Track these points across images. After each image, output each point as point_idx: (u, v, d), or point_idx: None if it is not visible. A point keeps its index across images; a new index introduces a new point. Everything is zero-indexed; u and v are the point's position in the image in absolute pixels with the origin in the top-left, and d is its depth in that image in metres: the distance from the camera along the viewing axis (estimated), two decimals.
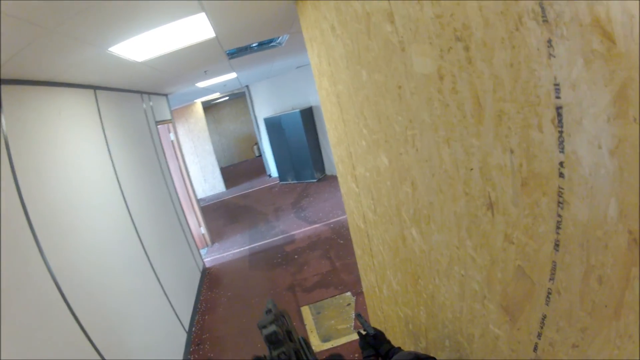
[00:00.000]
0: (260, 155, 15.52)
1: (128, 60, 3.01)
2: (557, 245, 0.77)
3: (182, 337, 4.14)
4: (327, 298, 4.57)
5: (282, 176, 10.76)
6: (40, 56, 2.14)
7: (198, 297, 5.29)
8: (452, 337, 1.57)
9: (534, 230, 0.83)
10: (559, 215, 0.74)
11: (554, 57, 0.67)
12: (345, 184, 3.01)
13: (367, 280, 3.33)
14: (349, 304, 4.37)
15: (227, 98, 13.87)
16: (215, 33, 3.04)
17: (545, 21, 0.66)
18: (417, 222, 1.59)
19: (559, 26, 0.64)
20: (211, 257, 6.83)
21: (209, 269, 6.33)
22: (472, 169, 1.02)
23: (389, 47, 1.32)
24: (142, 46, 2.76)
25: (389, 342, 1.93)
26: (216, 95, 11.14)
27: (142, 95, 5.33)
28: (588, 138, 0.65)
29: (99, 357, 2.42)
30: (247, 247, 6.85)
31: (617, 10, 0.54)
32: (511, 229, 0.91)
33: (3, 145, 2.12)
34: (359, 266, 3.60)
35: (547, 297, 0.84)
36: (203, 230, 7.18)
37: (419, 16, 1.04)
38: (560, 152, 0.71)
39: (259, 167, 13.85)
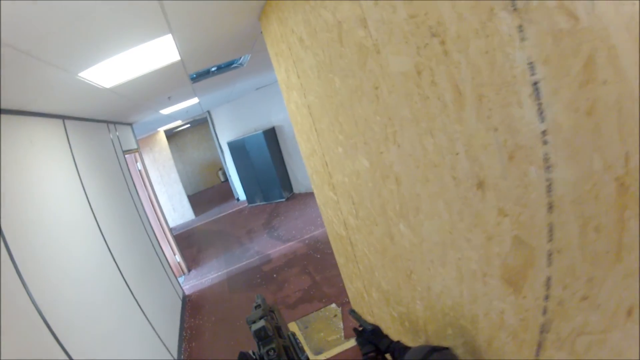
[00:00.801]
0: (226, 180, 15.59)
1: (96, 87, 3.01)
2: (550, 207, 0.86)
3: None
4: (312, 312, 4.60)
5: (250, 198, 10.83)
6: (10, 82, 2.11)
7: (182, 325, 5.22)
8: (455, 323, 1.64)
9: (526, 198, 0.92)
10: (548, 179, 0.84)
11: (526, 39, 0.77)
12: (322, 194, 3.07)
13: (353, 287, 3.38)
14: (335, 315, 4.41)
15: (188, 125, 13.92)
16: (180, 56, 3.08)
17: (515, 9, 0.76)
18: (404, 217, 1.67)
19: (528, 12, 0.74)
20: (189, 284, 6.76)
21: (188, 296, 6.26)
22: (457, 154, 1.12)
23: (363, 51, 1.42)
24: (110, 71, 2.78)
25: (387, 336, 1.97)
26: (178, 122, 11.17)
27: (109, 125, 5.30)
28: (565, 104, 0.75)
29: None
30: (224, 272, 6.80)
31: None
32: (503, 202, 1.01)
33: None
34: (342, 275, 3.66)
35: (549, 258, 0.93)
36: (178, 258, 7.11)
37: (393, 18, 1.14)
38: (541, 122, 0.81)
39: (226, 192, 13.90)
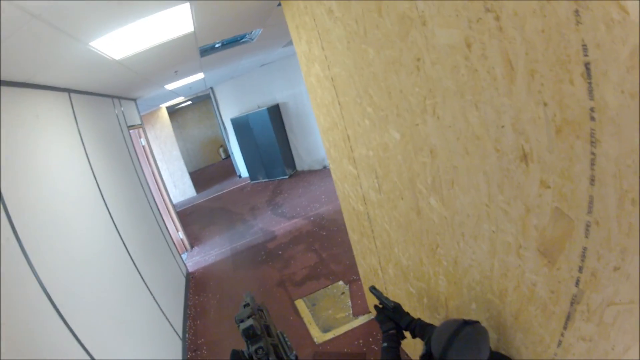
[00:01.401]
0: (226, 158, 16.00)
1: (106, 58, 3.10)
2: (592, 180, 1.00)
3: (178, 345, 4.26)
4: (319, 289, 4.81)
5: (252, 175, 11.20)
6: (17, 50, 2.19)
7: (186, 303, 5.44)
8: (480, 297, 1.80)
9: (570, 171, 1.06)
10: (592, 154, 0.98)
11: (581, 23, 0.90)
12: (340, 169, 3.21)
13: (366, 264, 3.56)
14: (343, 293, 4.61)
15: (189, 102, 14.35)
16: (194, 27, 3.18)
17: None
18: (436, 190, 1.82)
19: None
20: (192, 261, 7.02)
21: (192, 273, 6.50)
22: (503, 126, 1.25)
23: (406, 22, 1.54)
24: (120, 42, 2.87)
25: (408, 314, 2.13)
26: (180, 99, 11.45)
27: (114, 100, 5.43)
28: (613, 86, 0.88)
29: None
30: (228, 248, 7.05)
31: None
32: (547, 175, 1.15)
33: None
34: (355, 252, 3.83)
35: (587, 230, 1.08)
36: (181, 235, 7.37)
37: None
38: (590, 99, 0.94)
39: (228, 169, 14.28)
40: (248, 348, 1.44)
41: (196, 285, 6.06)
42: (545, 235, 1.25)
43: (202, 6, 2.79)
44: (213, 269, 6.44)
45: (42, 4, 1.81)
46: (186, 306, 5.36)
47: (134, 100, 6.93)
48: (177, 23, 2.99)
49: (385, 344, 2.03)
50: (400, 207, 2.30)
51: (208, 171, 16.33)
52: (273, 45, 6.37)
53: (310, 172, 10.17)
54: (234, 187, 11.70)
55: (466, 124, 1.43)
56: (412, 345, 3.03)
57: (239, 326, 1.46)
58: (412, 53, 1.59)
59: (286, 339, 1.63)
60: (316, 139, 9.85)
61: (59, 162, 3.07)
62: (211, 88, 11.73)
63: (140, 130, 6.94)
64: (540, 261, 1.31)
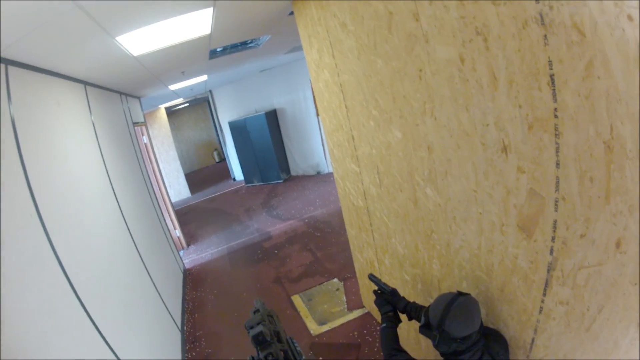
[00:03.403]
0: (221, 161, 16.21)
1: (126, 53, 3.35)
2: (557, 164, 1.32)
3: (177, 336, 4.49)
4: (315, 286, 5.10)
5: (247, 178, 11.50)
6: (52, 37, 2.34)
7: (184, 297, 5.67)
8: (470, 275, 2.10)
9: (540, 158, 1.38)
10: (557, 143, 1.30)
11: (548, 45, 1.22)
12: (342, 168, 3.53)
13: (363, 258, 3.86)
14: (337, 289, 4.91)
15: (187, 104, 14.64)
16: (211, 30, 3.47)
17: (543, 24, 1.21)
18: (432, 181, 2.14)
19: (552, 27, 1.19)
20: (189, 258, 7.25)
21: (189, 269, 6.73)
22: (487, 125, 1.58)
23: (412, 39, 1.87)
24: (142, 39, 3.13)
25: (404, 298, 2.41)
26: (179, 100, 11.76)
27: (122, 96, 5.67)
28: (571, 91, 1.20)
29: (113, 356, 2.61)
30: (224, 247, 7.30)
31: (586, 17, 1.09)
32: (522, 162, 1.47)
33: (10, 128, 2.20)
34: (352, 247, 4.14)
35: (555, 205, 1.39)
36: (178, 232, 7.61)
37: (445, 16, 1.59)
38: (554, 102, 1.27)
39: (222, 172, 14.53)
40: (258, 354, 1.45)
41: (193, 281, 6.29)
42: (523, 213, 1.56)
43: (223, 9, 3.05)
44: (210, 266, 6.68)
45: None
46: (184, 300, 5.58)
47: (139, 98, 7.18)
48: (197, 25, 3.24)
49: (384, 324, 2.25)
50: (399, 198, 2.62)
51: (202, 173, 16.58)
52: (277, 52, 6.68)
53: (305, 177, 10.49)
54: (229, 189, 11.99)
55: (458, 124, 1.75)
56: (404, 333, 3.32)
57: (248, 332, 1.47)
58: (415, 65, 1.92)
59: (296, 345, 1.65)
60: (311, 145, 10.17)
61: (76, 149, 3.26)
62: (210, 91, 12.03)
63: (144, 127, 7.19)
64: (520, 235, 1.62)
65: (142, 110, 7.45)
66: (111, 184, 3.94)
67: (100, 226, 3.32)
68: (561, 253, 1.45)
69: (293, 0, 3.30)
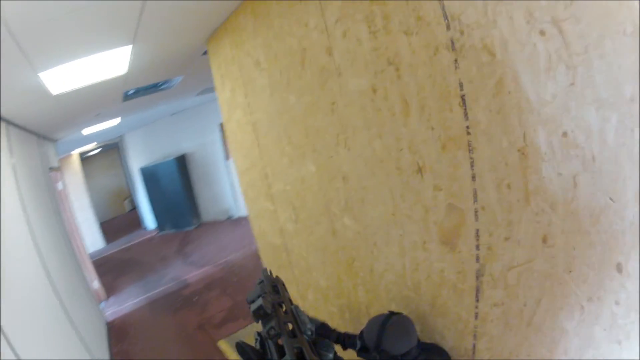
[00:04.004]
0: (132, 209, 15.05)
1: (46, 91, 3.05)
2: (474, 177, 1.32)
3: None
4: (239, 330, 4.80)
5: (160, 226, 10.73)
6: None
7: (111, 351, 5.15)
8: (398, 296, 2.03)
9: (455, 174, 1.37)
10: (471, 158, 1.30)
11: (459, 68, 1.24)
12: (256, 207, 3.38)
13: None
14: None
15: (99, 150, 13.54)
16: (128, 69, 3.25)
17: (454, 49, 1.22)
18: (349, 210, 2.08)
19: (462, 51, 1.20)
20: (110, 310, 6.63)
21: (111, 322, 6.15)
22: (401, 149, 1.56)
23: (324, 74, 1.83)
24: (61, 77, 2.86)
25: (335, 330, 2.31)
26: (92, 146, 10.88)
27: (38, 139, 5.13)
28: (482, 108, 1.22)
29: None
30: (143, 297, 6.77)
31: (496, 38, 1.11)
32: (438, 180, 1.46)
33: None
34: None
35: (475, 215, 1.38)
36: (97, 284, 6.94)
37: (357, 49, 1.58)
38: (465, 120, 1.27)
39: (134, 221, 13.50)
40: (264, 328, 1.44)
41: (117, 334, 5.75)
42: (444, 227, 1.54)
43: (142, 48, 2.88)
44: (132, 317, 6.16)
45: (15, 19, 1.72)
46: (111, 354, 5.07)
47: (54, 142, 6.58)
48: (114, 63, 3.04)
49: None
50: (317, 231, 2.53)
51: (115, 222, 15.41)
52: (189, 93, 6.45)
53: (216, 223, 10.05)
54: (142, 238, 11.17)
55: (372, 152, 1.72)
56: None
57: (249, 307, 1.47)
58: (328, 98, 1.88)
59: (299, 314, 1.61)
60: (221, 189, 9.80)
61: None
62: (121, 136, 11.16)
63: (58, 174, 6.56)
64: (444, 249, 1.59)
65: (57, 155, 6.81)
66: (32, 233, 3.45)
67: (21, 278, 2.84)
68: (488, 259, 1.43)
69: (208, 42, 3.20)
